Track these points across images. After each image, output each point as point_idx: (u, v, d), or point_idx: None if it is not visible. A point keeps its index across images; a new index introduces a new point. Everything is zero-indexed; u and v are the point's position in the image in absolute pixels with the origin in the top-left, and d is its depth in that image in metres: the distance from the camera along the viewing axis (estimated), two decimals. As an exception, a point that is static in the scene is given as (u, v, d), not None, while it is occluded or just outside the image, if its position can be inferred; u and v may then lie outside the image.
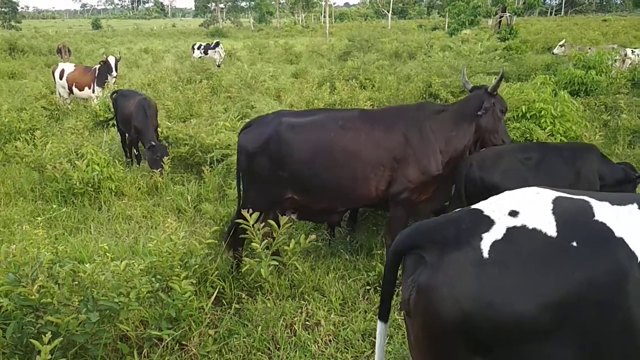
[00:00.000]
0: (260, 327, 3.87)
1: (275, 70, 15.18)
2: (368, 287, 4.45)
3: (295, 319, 4.00)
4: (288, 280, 4.42)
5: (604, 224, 1.76)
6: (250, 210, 4.13)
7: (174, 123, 8.77)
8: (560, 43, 18.32)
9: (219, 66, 20.10)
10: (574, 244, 1.71)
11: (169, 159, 7.00)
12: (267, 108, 9.04)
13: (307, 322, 3.99)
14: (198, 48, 22.55)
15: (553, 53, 18.04)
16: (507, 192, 2.00)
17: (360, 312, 4.09)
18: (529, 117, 7.73)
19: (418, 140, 4.37)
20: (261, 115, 4.81)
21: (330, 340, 3.82)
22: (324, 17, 52.81)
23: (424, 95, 10.54)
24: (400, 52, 22.60)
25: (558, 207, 1.81)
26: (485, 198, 4.50)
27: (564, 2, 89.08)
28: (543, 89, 8.44)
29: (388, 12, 59.39)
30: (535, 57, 16.96)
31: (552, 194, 1.88)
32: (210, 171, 6.68)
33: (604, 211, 1.80)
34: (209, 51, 21.93)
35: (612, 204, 1.83)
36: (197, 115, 10.32)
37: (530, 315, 1.66)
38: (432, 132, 4.42)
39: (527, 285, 1.68)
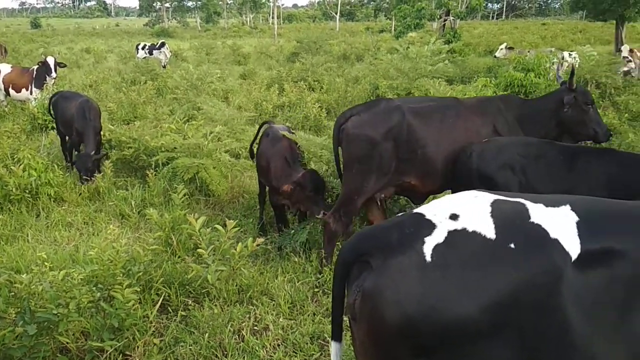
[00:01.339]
0: (207, 334, 3.80)
1: (222, 71, 15.01)
2: (317, 290, 4.45)
3: (243, 324, 3.95)
4: (236, 286, 4.36)
5: (540, 226, 1.81)
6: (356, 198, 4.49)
7: (116, 126, 8.53)
8: (501, 47, 18.95)
9: (164, 67, 19.69)
10: (512, 245, 1.75)
11: (101, 173, 6.80)
12: (214, 110, 8.92)
13: (255, 327, 3.95)
14: (142, 48, 22.01)
15: (495, 56, 18.64)
16: (447, 196, 2.03)
17: (309, 315, 4.09)
18: (472, 118, 7.93)
19: (504, 130, 4.74)
20: (369, 102, 5.07)
21: (278, 345, 3.80)
22: (272, 18, 52.68)
23: (371, 98, 10.63)
24: (348, 54, 22.82)
25: (496, 209, 1.85)
26: (484, 188, 4.47)
27: (505, 6, 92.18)
28: (484, 91, 8.71)
29: (336, 14, 59.80)
30: (477, 60, 17.50)
31: (490, 197, 1.93)
32: (155, 175, 6.53)
33: (539, 213, 1.85)
34: (154, 51, 21.44)
35: (547, 205, 1.89)
36: (141, 117, 10.09)
37: (471, 317, 1.69)
38: (517, 123, 4.80)
39: (467, 287, 1.71)
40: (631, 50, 14.31)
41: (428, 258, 1.75)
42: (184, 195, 5.36)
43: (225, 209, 6.42)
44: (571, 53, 14.54)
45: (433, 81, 9.50)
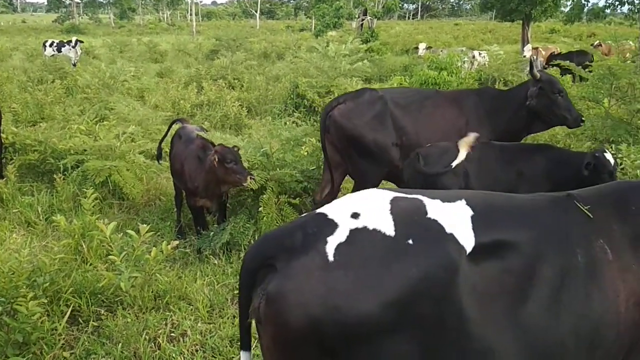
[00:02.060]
0: (120, 344, 3.65)
1: (137, 69, 14.48)
2: (237, 292, 4.38)
3: (159, 331, 3.82)
4: (152, 292, 4.21)
5: (436, 221, 1.86)
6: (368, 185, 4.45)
7: (21, 128, 8.01)
8: (424, 46, 19.52)
9: (74, 65, 18.73)
10: (410, 241, 1.79)
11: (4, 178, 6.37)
12: (128, 109, 8.59)
13: (172, 334, 3.83)
14: (50, 45, 20.82)
15: (419, 56, 19.14)
16: (348, 195, 2.05)
17: (228, 318, 4.02)
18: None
19: (475, 123, 5.06)
20: (354, 92, 5.44)
21: (197, 350, 3.70)
22: (191, 15, 51.51)
23: (292, 96, 10.65)
24: (269, 53, 22.72)
25: (395, 207, 1.89)
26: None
27: (420, 6, 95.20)
28: (400, 89, 8.96)
29: (256, 12, 59.42)
30: (394, 59, 17.95)
31: (390, 194, 1.96)
32: (63, 179, 6.18)
33: (435, 209, 1.90)
34: (63, 49, 20.35)
35: (443, 201, 1.95)
36: (49, 118, 9.51)
37: (373, 314, 1.71)
38: (490, 115, 5.12)
39: (369, 285, 1.73)
40: (535, 49, 15.19)
41: (331, 258, 1.75)
42: (95, 199, 5.11)
43: (141, 212, 6.19)
44: (481, 52, 15.24)
45: (350, 80, 9.62)
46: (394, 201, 1.91)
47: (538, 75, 5.06)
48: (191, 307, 4.16)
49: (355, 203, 1.92)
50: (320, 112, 10.15)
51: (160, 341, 3.72)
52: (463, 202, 1.95)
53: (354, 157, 5.13)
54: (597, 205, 2.09)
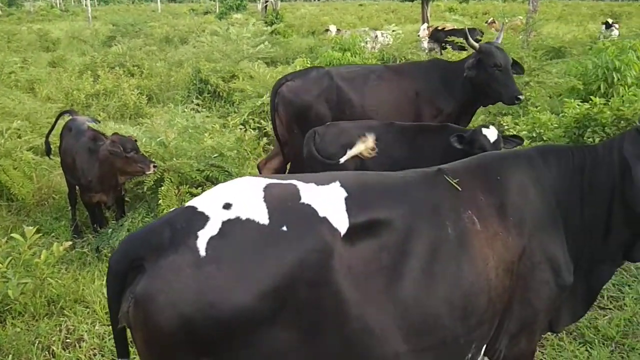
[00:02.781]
0: (10, 355, 3.41)
1: (26, 59, 13.48)
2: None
3: (53, 338, 3.61)
4: (44, 297, 3.96)
5: (310, 206, 1.86)
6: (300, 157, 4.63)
7: None
8: (335, 28, 19.49)
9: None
10: (284, 228, 1.77)
11: None
12: (14, 103, 7.97)
13: (67, 340, 3.63)
14: None
15: (334, 37, 19.01)
16: (219, 185, 1.99)
17: (129, 317, 3.86)
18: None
19: (427, 94, 5.19)
20: (302, 70, 5.78)
21: (94, 354, 3.53)
22: (86, -1, 48.56)
23: (194, 82, 10.34)
24: (171, 37, 21.85)
25: (268, 194, 1.86)
26: (324, 171, 4.52)
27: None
28: (303, 71, 8.93)
29: (157, -5, 57.00)
30: (300, 41, 17.84)
31: (263, 181, 1.93)
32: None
33: (309, 193, 1.90)
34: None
35: (318, 184, 1.95)
36: None
37: (250, 306, 1.68)
38: (442, 86, 5.18)
39: (244, 277, 1.70)
40: (429, 28, 15.69)
41: (202, 253, 1.69)
42: (-24, 203, 4.72)
43: (32, 213, 5.80)
44: (383, 32, 15.51)
45: (252, 64, 9.48)
46: (267, 188, 1.88)
47: (477, 45, 5.06)
48: (88, 310, 3.96)
49: (226, 193, 1.87)
50: (225, 97, 9.98)
51: (55, 349, 3.52)
52: (337, 184, 1.96)
53: (297, 135, 5.08)
54: (465, 177, 2.18)
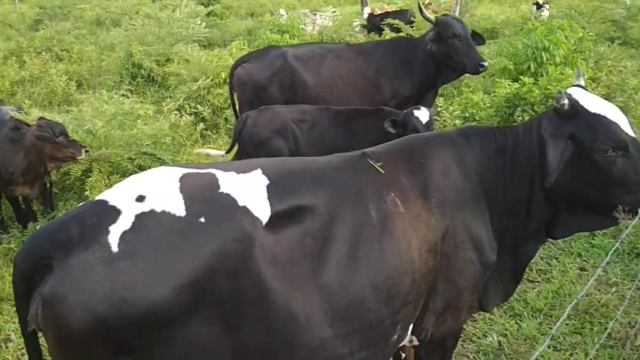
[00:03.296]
0: None
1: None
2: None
3: (-26, 342, 3.42)
4: (-36, 299, 3.74)
5: (229, 195, 1.80)
6: None
7: None
8: (284, 12, 19.16)
9: None
10: (202, 219, 1.72)
11: None
12: None
13: (-9, 342, 3.45)
14: None
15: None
16: (132, 177, 1.91)
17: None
18: (230, 82, 7.94)
19: (389, 73, 5.16)
20: (259, 50, 5.75)
21: (22, 354, 3.37)
22: (10, -21, 45.83)
23: (126, 66, 9.94)
24: (102, 20, 20.92)
25: (185, 184, 1.79)
26: (258, 156, 4.42)
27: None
28: (240, 54, 8.74)
29: (88, -25, 54.49)
30: (238, 23, 17.48)
31: (179, 171, 1.86)
32: None
33: (229, 182, 1.84)
34: None
35: (238, 172, 1.90)
36: None
37: (167, 300, 1.62)
38: (406, 64, 5.13)
39: (160, 271, 1.63)
40: (371, 11, 15.70)
41: (115, 249, 1.61)
42: None
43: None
44: (322, 14, 15.43)
45: (187, 47, 9.22)
46: (183, 179, 1.81)
47: (433, 19, 5.03)
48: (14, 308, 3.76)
49: (140, 185, 1.78)
50: (160, 82, 9.67)
51: (-24, 352, 3.33)
52: (259, 171, 1.91)
53: None
54: (389, 160, 2.18)
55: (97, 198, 1.78)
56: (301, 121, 4.51)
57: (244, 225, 1.75)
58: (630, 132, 2.19)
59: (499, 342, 3.52)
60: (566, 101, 2.18)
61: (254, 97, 5.09)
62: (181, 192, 1.75)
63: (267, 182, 1.89)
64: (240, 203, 1.79)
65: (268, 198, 1.84)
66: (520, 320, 3.70)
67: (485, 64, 4.92)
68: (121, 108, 5.64)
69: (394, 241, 2.02)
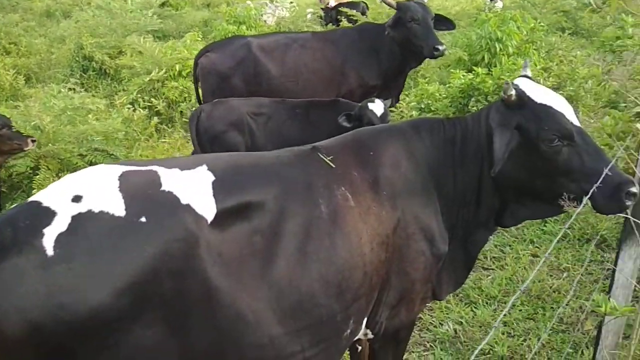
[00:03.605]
0: None
1: None
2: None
3: None
4: None
5: (171, 193, 1.74)
6: None
7: None
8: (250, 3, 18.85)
9: None
10: (143, 219, 1.66)
11: None
12: None
13: None
14: None
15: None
16: (69, 176, 1.83)
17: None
18: (185, 75, 7.78)
19: (357, 60, 5.12)
20: (224, 40, 5.81)
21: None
22: (-47, -32, 43.80)
23: (77, 58, 9.64)
24: (52, 11, 20.22)
25: (125, 183, 1.72)
26: (213, 150, 4.29)
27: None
28: (194, 45, 8.59)
29: (37, -36, 52.57)
30: (194, 14, 17.17)
31: (119, 169, 1.78)
32: None
33: (171, 179, 1.79)
34: None
35: (182, 169, 1.84)
36: None
37: (107, 305, 1.56)
38: (374, 51, 5.09)
39: (99, 274, 1.57)
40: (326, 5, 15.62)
41: (50, 252, 1.54)
42: None
43: None
44: (277, 5, 15.27)
45: (140, 38, 8.99)
46: (123, 177, 1.73)
47: (394, 3, 4.98)
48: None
49: (76, 184, 1.70)
50: (112, 75, 9.41)
51: None
52: (204, 167, 1.86)
53: None
54: (340, 154, 2.17)
55: (30, 199, 1.70)
56: (257, 114, 4.45)
57: (187, 224, 1.69)
58: (576, 122, 2.22)
59: (455, 330, 3.58)
60: (513, 92, 2.20)
61: (217, 87, 5.01)
62: (120, 190, 1.68)
63: (213, 178, 1.84)
64: (184, 201, 1.73)
65: (214, 195, 1.79)
66: (475, 307, 3.76)
67: (441, 47, 4.87)
68: (71, 103, 5.45)
69: (345, 235, 2.00)
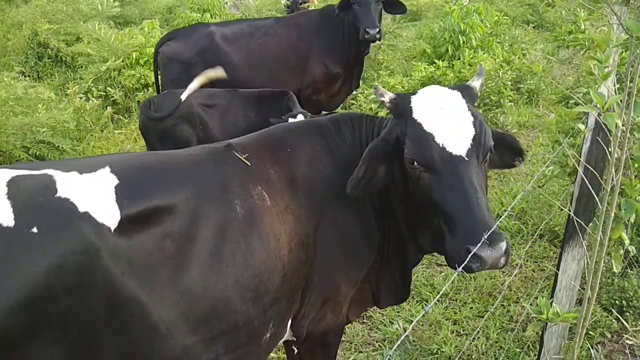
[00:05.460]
0: None
1: None
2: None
3: None
4: None
5: (67, 200, 1.59)
6: None
7: None
8: None
9: None
10: (34, 230, 1.51)
11: None
12: None
13: None
14: None
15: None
16: None
17: None
18: (142, 63, 7.56)
19: (323, 42, 5.03)
20: (186, 28, 5.65)
21: None
22: None
23: (32, 45, 9.28)
24: (11, -5, 19.58)
25: (14, 188, 1.56)
26: (162, 143, 4.10)
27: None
28: (153, 33, 8.35)
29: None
30: (158, 0, 16.77)
31: (7, 173, 1.61)
32: None
33: (68, 184, 1.63)
34: None
35: (81, 172, 1.69)
36: None
37: None
38: (334, 33, 5.00)
39: None
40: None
41: None
42: None
43: None
44: (245, -7, 15.00)
45: (98, 25, 8.69)
46: (12, 182, 1.57)
47: None
48: None
49: None
50: (69, 62, 9.09)
51: None
52: (107, 170, 1.71)
53: None
54: (256, 151, 2.05)
55: None
56: (209, 106, 4.31)
57: (86, 234, 1.55)
58: (458, 150, 1.86)
59: (404, 328, 3.51)
60: (385, 98, 2.00)
61: (177, 77, 4.81)
62: (9, 198, 1.53)
63: (117, 182, 1.69)
64: (81, 209, 1.59)
65: (117, 200, 1.65)
66: (426, 305, 3.70)
67: (371, 31, 4.69)
68: (13, 93, 5.19)
69: (261, 236, 1.89)
